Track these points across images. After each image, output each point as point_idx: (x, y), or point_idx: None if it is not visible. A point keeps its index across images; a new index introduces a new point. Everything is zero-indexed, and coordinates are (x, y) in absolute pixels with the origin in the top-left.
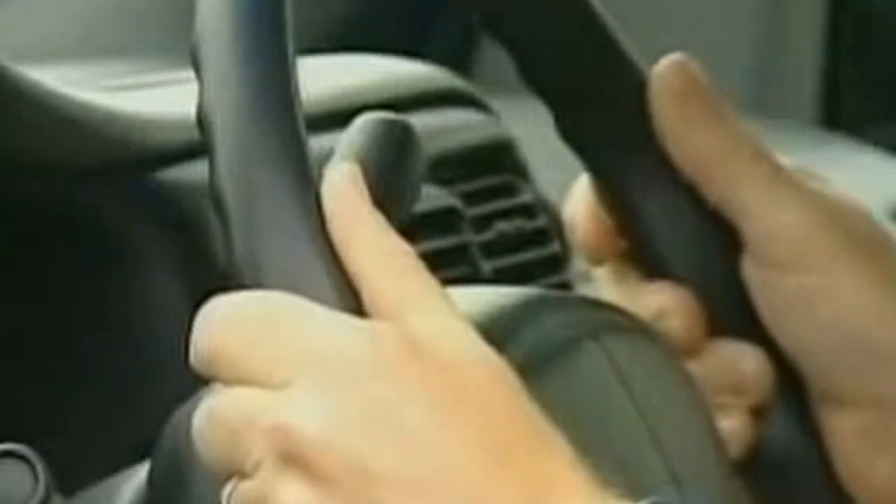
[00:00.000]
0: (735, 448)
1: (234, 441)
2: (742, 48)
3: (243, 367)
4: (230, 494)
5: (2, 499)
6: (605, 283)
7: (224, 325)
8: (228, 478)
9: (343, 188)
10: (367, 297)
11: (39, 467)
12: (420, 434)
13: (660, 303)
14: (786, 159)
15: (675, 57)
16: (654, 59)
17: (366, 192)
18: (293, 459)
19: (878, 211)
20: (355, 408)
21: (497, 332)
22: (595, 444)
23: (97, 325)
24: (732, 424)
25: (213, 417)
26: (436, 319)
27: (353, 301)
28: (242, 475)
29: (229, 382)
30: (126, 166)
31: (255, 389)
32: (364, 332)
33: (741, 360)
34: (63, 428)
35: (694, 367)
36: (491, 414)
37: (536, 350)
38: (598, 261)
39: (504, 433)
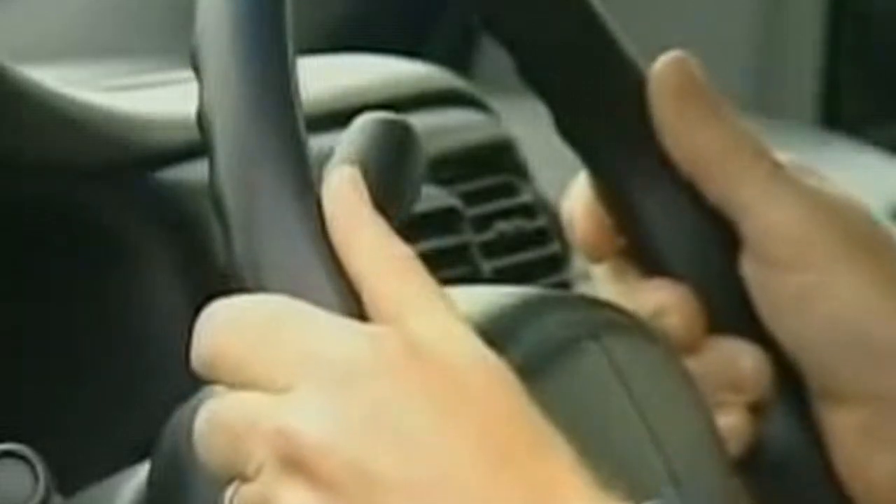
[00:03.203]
0: (734, 445)
1: (236, 445)
2: (742, 48)
3: (245, 371)
4: (232, 498)
5: (2, 499)
6: (603, 281)
7: (225, 328)
8: (230, 481)
9: (343, 190)
10: (367, 299)
11: (39, 467)
12: (421, 437)
13: (659, 300)
14: (785, 157)
15: (673, 55)
16: (654, 59)
17: (366, 195)
18: (295, 463)
19: (878, 211)
20: (356, 411)
21: (497, 332)
22: (595, 445)
23: (97, 325)
24: (731, 422)
25: (214, 421)
26: (436, 322)
27: (353, 304)
28: (244, 479)
29: (231, 386)
30: (126, 166)
31: (257, 393)
32: (365, 336)
33: (740, 357)
34: (63, 428)
35: (693, 364)
36: (491, 416)
37: (536, 350)
38: (596, 258)
39: (504, 435)
